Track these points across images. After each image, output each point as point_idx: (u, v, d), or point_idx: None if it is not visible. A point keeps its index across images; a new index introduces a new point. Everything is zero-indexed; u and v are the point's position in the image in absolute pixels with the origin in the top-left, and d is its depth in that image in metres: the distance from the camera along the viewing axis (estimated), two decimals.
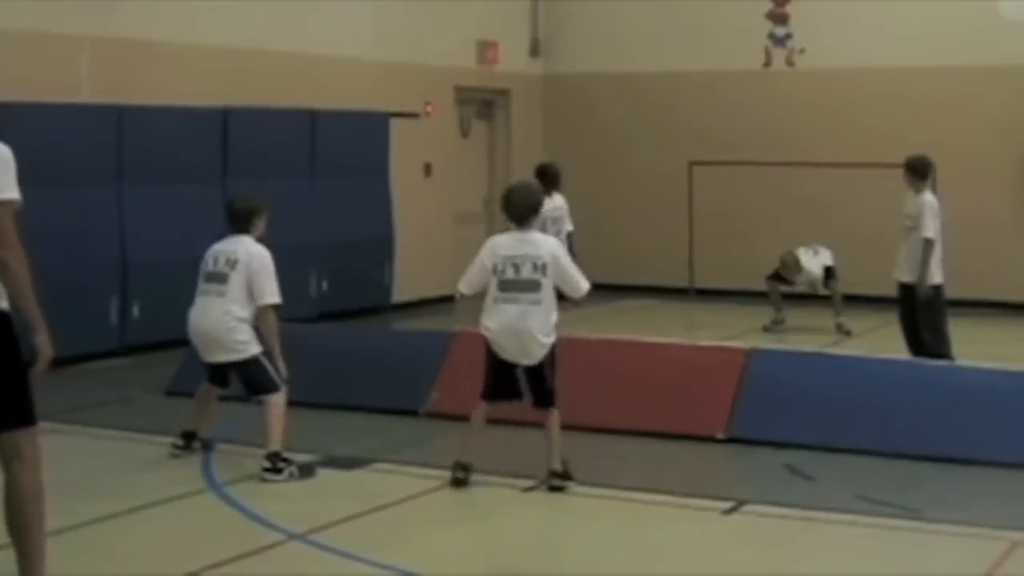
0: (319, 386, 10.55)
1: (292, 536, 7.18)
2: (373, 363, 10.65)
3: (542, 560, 7.05)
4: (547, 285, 8.00)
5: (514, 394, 8.16)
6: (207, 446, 9.03)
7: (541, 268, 7.98)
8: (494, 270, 8.04)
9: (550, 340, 8.02)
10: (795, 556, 7.03)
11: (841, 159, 16.91)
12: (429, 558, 6.96)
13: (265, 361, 8.66)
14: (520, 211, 8.16)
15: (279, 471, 8.33)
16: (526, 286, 7.98)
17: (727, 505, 7.80)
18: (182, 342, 11.49)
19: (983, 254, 16.62)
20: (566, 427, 8.25)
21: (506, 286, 8.01)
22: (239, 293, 8.71)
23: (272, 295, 8.83)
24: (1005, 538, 7.15)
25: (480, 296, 8.20)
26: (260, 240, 9.04)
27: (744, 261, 17.36)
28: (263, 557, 6.86)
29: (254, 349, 8.70)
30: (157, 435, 9.35)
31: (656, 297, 17.60)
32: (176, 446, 8.92)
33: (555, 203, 12.53)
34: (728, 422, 9.41)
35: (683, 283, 17.90)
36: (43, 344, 5.70)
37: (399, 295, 16.14)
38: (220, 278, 8.75)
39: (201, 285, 8.86)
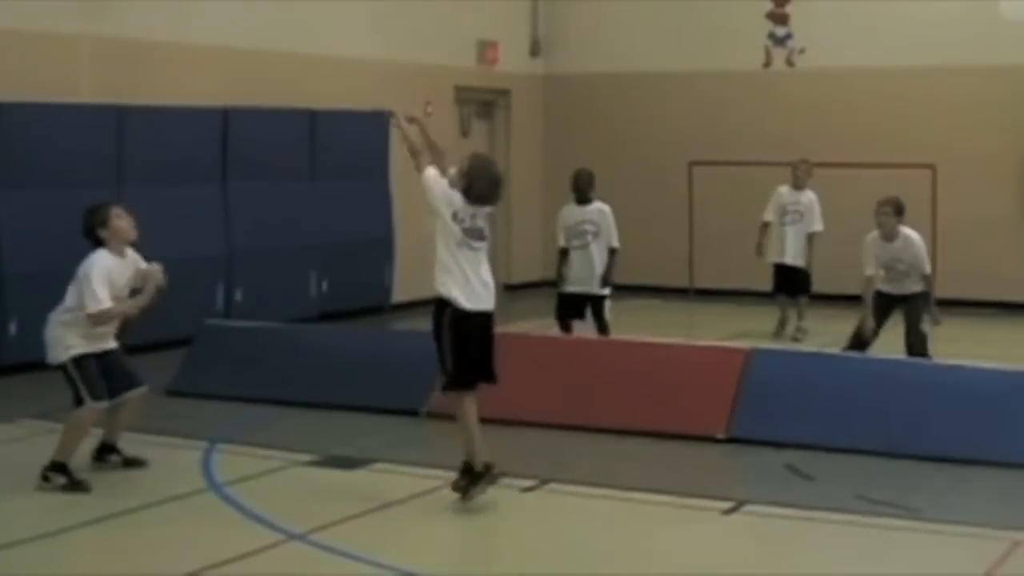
0: (319, 386, 10.57)
1: (292, 536, 7.17)
2: (373, 363, 10.65)
3: (542, 560, 7.05)
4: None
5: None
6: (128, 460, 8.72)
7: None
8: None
9: None
10: (795, 556, 7.03)
11: (841, 159, 16.90)
12: (429, 558, 6.97)
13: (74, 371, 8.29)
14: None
15: (47, 480, 8.13)
16: None
17: (727, 505, 7.80)
18: (183, 342, 11.56)
19: (983, 254, 16.63)
20: (566, 427, 8.25)
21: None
22: (70, 302, 8.40)
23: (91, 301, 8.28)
24: (1005, 538, 7.15)
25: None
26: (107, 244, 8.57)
27: (744, 261, 17.33)
28: (263, 557, 6.86)
29: (61, 359, 8.32)
30: (157, 435, 9.35)
31: (656, 297, 17.61)
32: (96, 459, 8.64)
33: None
34: (728, 422, 9.41)
35: (683, 283, 17.91)
36: None
37: (399, 295, 16.14)
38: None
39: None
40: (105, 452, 8.67)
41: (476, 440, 7.67)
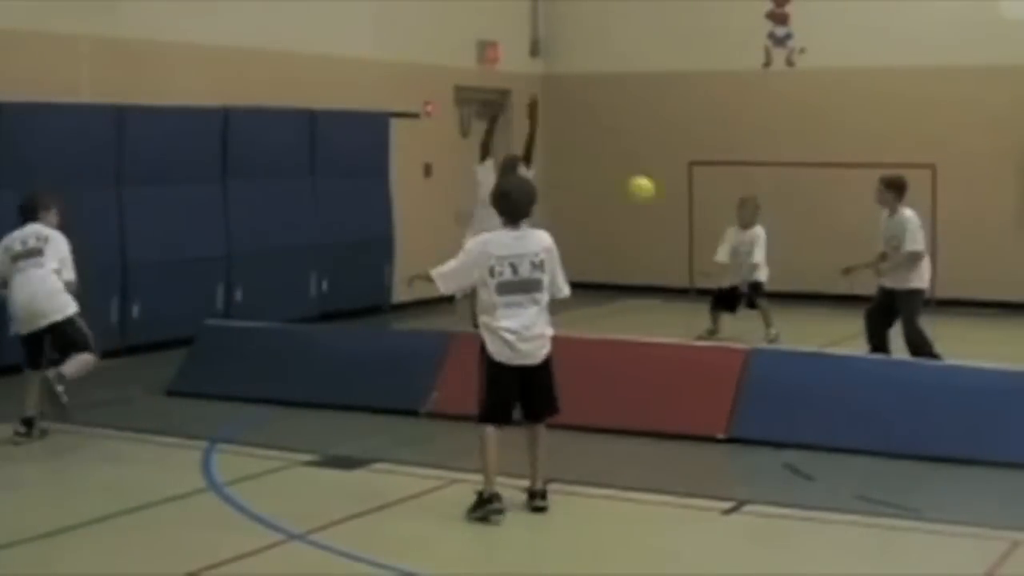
0: (319, 386, 10.57)
1: (292, 536, 7.18)
2: (373, 363, 10.65)
3: (542, 560, 7.05)
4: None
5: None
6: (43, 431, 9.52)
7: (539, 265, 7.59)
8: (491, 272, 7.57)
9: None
10: (795, 556, 7.03)
11: (841, 159, 16.90)
12: (429, 558, 6.96)
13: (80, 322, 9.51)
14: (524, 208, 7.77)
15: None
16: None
17: (727, 505, 7.80)
18: (182, 341, 11.56)
19: (983, 254, 16.62)
20: (567, 427, 8.25)
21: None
22: (54, 264, 9.54)
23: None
24: (1005, 538, 7.15)
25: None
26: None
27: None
28: (263, 557, 6.86)
29: (71, 310, 9.50)
30: (157, 435, 9.35)
31: (656, 297, 17.60)
32: (18, 433, 9.43)
33: None
34: (728, 422, 9.41)
35: (683, 283, 17.90)
36: None
37: (399, 295, 16.14)
38: (36, 252, 9.52)
39: (17, 264, 9.55)
40: (29, 425, 9.53)
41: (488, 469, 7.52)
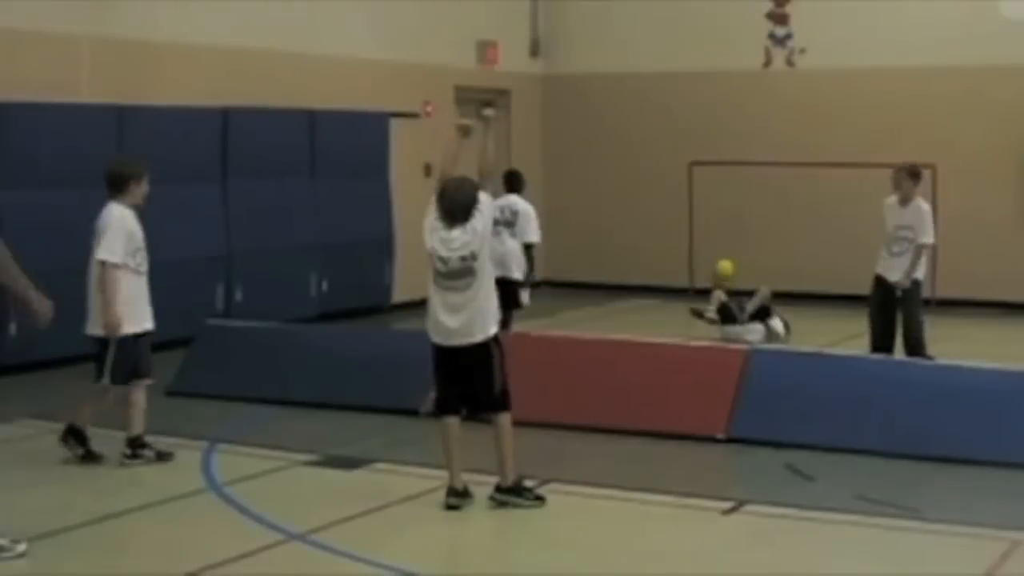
0: (319, 386, 10.57)
1: (292, 536, 7.18)
2: (373, 363, 10.64)
3: (542, 560, 7.05)
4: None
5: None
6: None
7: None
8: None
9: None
10: (795, 556, 7.03)
11: (841, 159, 16.91)
12: (429, 558, 6.97)
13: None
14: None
15: (138, 457, 8.64)
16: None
17: (727, 505, 7.81)
18: (183, 342, 11.54)
19: (983, 254, 16.62)
20: (567, 427, 8.25)
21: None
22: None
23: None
24: (1005, 538, 7.15)
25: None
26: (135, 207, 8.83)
27: (744, 261, 17.35)
28: (263, 557, 6.86)
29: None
30: (157, 435, 9.34)
31: (656, 297, 17.61)
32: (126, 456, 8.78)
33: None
34: (728, 422, 9.41)
35: (683, 283, 17.90)
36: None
37: (399, 295, 16.14)
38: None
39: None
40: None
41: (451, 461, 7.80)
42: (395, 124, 16.28)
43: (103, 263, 8.56)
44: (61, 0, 12.59)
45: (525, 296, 12.20)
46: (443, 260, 7.66)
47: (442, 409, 7.87)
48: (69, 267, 12.28)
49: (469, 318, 7.64)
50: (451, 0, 17.26)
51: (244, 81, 14.34)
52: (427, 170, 17.23)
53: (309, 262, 15.00)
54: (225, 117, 14.01)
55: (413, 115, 16.65)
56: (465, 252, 7.62)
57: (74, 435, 8.72)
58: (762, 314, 14.30)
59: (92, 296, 8.72)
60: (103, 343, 8.67)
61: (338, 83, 15.57)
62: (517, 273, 12.03)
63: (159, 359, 12.00)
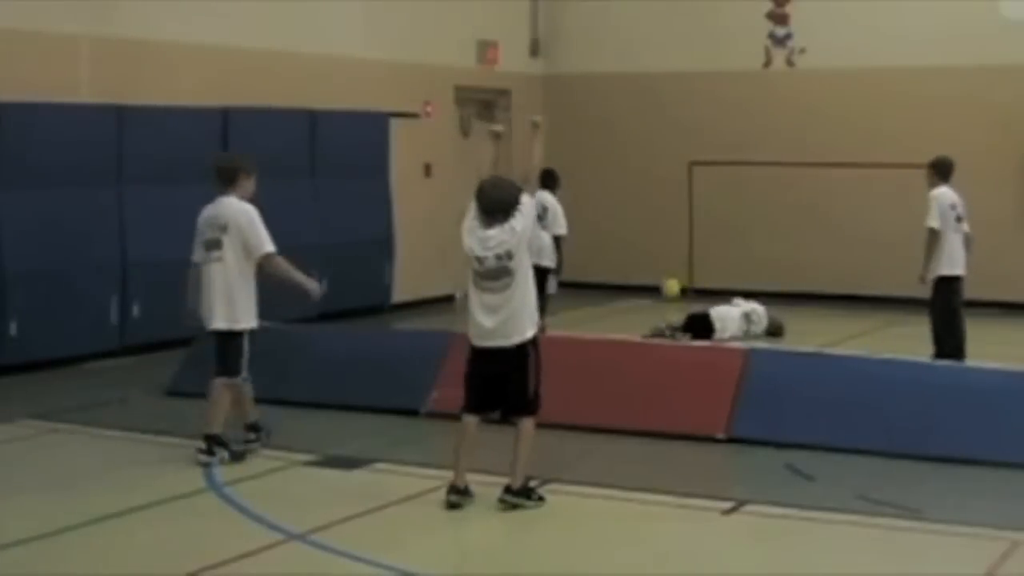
0: (319, 386, 10.57)
1: (292, 536, 7.18)
2: (373, 363, 10.65)
3: (542, 560, 7.05)
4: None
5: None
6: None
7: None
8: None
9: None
10: (795, 556, 7.03)
11: (841, 159, 16.91)
12: (429, 558, 6.97)
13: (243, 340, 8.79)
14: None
15: (213, 453, 8.63)
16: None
17: (727, 505, 7.81)
18: (182, 342, 11.54)
19: (983, 254, 16.50)
20: (567, 427, 8.24)
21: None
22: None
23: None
24: (1005, 538, 7.16)
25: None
26: (251, 200, 9.04)
27: (744, 261, 17.39)
28: (263, 557, 6.86)
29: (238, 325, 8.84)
30: (157, 435, 9.35)
31: (656, 297, 17.60)
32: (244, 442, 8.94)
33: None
34: (728, 422, 9.41)
35: (683, 283, 17.91)
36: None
37: (399, 295, 16.14)
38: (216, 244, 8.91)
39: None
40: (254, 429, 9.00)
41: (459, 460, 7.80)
42: (395, 124, 16.28)
43: (269, 255, 8.82)
44: (61, 0, 12.59)
45: (552, 285, 12.76)
46: (479, 260, 7.64)
47: (467, 408, 7.82)
48: (69, 267, 12.37)
49: (506, 319, 7.63)
50: (451, 0, 17.26)
51: (244, 81, 14.34)
52: (427, 170, 17.27)
53: (309, 262, 14.92)
54: (225, 117, 14.00)
55: (413, 115, 16.65)
56: (501, 251, 7.58)
57: (216, 442, 8.70)
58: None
59: (213, 292, 8.81)
60: (229, 337, 8.74)
61: (338, 83, 15.57)
62: (548, 262, 12.59)
63: (159, 359, 12.07)
